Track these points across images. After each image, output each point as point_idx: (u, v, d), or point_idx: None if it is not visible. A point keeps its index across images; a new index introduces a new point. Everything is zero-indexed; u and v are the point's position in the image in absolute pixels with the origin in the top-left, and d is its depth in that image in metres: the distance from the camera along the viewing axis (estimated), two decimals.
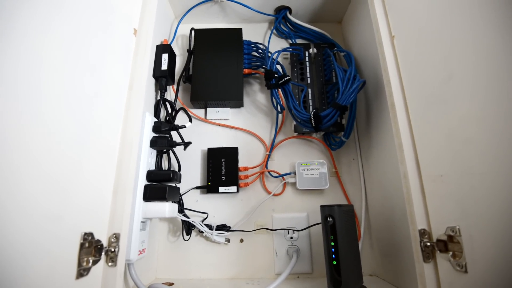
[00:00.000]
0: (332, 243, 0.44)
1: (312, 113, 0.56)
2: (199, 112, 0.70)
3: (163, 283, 0.53)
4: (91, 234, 0.35)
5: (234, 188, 0.62)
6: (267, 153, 0.67)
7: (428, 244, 0.39)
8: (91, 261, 0.35)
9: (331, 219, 0.45)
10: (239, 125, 0.70)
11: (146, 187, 0.46)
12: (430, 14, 0.42)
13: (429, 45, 0.41)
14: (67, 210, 0.32)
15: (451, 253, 0.36)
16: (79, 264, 0.33)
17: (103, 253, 0.37)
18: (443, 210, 0.38)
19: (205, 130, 0.69)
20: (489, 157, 0.32)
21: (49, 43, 0.31)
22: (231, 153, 0.65)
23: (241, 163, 0.66)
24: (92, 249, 0.36)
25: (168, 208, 0.46)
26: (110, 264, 0.37)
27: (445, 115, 0.38)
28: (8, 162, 0.25)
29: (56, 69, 0.32)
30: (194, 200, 0.64)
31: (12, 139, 0.26)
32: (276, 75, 0.61)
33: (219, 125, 0.70)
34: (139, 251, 0.44)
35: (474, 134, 0.34)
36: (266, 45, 0.75)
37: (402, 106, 0.45)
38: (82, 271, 0.34)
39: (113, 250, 0.37)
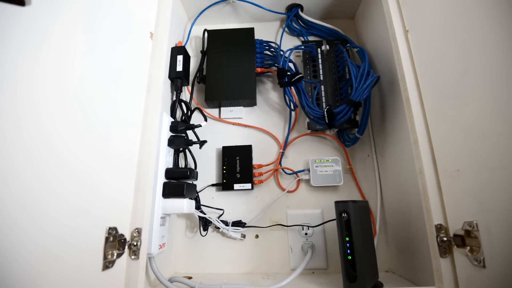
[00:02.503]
0: (347, 238, 0.44)
1: (326, 109, 0.56)
2: (213, 112, 0.72)
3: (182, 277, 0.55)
4: (115, 229, 0.37)
5: (248, 185, 0.63)
6: (281, 150, 0.68)
7: (445, 239, 0.39)
8: (115, 254, 0.37)
9: (345, 214, 0.45)
10: (252, 123, 0.71)
11: (165, 184, 0.48)
12: (445, 7, 0.41)
13: (444, 39, 0.41)
14: (94, 205, 0.34)
15: (468, 248, 0.36)
16: (105, 256, 0.36)
17: (126, 247, 0.39)
18: (460, 205, 0.38)
19: (220, 129, 0.71)
20: (507, 151, 0.31)
21: (74, 52, 0.33)
22: (245, 151, 0.66)
23: (255, 161, 0.67)
24: (116, 242, 0.38)
25: (186, 204, 0.48)
26: (133, 257, 0.39)
27: (461, 109, 0.37)
28: (41, 160, 0.28)
29: (84, 76, 0.34)
30: (210, 197, 0.66)
31: (44, 139, 0.28)
32: (288, 73, 0.62)
33: (233, 123, 0.71)
34: (160, 245, 0.46)
35: (491, 128, 0.33)
36: (278, 43, 0.75)
37: (417, 101, 0.45)
38: (107, 264, 0.36)
39: (135, 244, 0.39)
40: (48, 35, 0.30)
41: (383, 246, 0.61)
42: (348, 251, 0.44)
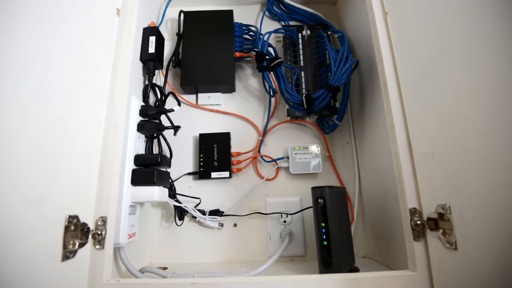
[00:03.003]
0: (323, 224, 0.44)
1: (304, 95, 0.55)
2: (190, 98, 0.69)
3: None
4: (76, 217, 0.35)
5: (226, 174, 0.62)
6: (260, 138, 0.66)
7: (419, 222, 0.39)
8: (77, 243, 0.35)
9: (321, 200, 0.44)
10: (231, 110, 0.68)
11: (134, 171, 0.45)
12: None
13: (423, 20, 0.40)
14: (51, 192, 0.32)
15: (441, 231, 0.36)
16: (65, 246, 0.33)
17: (90, 236, 0.37)
18: (434, 188, 0.37)
19: (197, 116, 0.68)
20: (483, 132, 0.31)
21: (26, 24, 0.30)
22: (223, 139, 0.64)
23: (233, 149, 0.65)
24: (78, 232, 0.35)
25: (157, 192, 0.46)
26: (97, 247, 0.37)
27: (438, 91, 0.37)
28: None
29: (36, 47, 0.31)
30: (186, 186, 0.64)
31: (5, 119, 0.25)
32: (267, 57, 0.60)
33: (211, 110, 0.68)
34: (129, 235, 0.44)
35: (467, 110, 0.33)
36: (258, 27, 0.73)
37: (394, 85, 0.44)
38: (67, 254, 0.33)
39: (100, 233, 0.37)
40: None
41: (361, 233, 0.61)
42: (324, 237, 0.43)
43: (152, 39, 0.58)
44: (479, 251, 0.32)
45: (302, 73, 0.65)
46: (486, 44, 0.31)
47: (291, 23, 0.74)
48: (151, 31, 0.59)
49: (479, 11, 0.32)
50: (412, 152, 0.41)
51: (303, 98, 0.54)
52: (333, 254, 0.43)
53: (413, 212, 0.40)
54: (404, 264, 0.45)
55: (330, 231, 0.43)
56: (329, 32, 0.66)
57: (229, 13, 0.69)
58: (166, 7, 0.70)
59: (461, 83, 0.34)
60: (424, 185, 0.39)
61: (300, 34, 0.68)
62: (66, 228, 0.34)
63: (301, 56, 0.67)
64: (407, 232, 0.40)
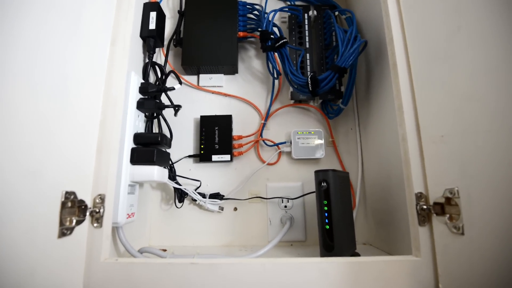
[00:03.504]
0: (326, 208, 0.43)
1: (310, 76, 0.53)
2: (192, 79, 0.67)
3: None
4: (73, 193, 0.34)
5: (227, 157, 0.60)
6: (262, 121, 0.65)
7: (425, 207, 0.38)
8: (74, 221, 0.34)
9: (325, 183, 0.43)
10: (233, 92, 0.67)
11: (133, 150, 0.44)
12: None
13: None
14: (45, 165, 0.30)
15: (448, 215, 0.35)
16: (61, 223, 0.32)
17: (87, 214, 0.36)
18: (442, 172, 0.36)
19: (198, 97, 0.67)
20: (496, 113, 0.30)
21: None
22: (224, 121, 0.62)
23: (235, 132, 0.64)
24: (76, 209, 0.34)
25: (156, 172, 0.45)
26: (95, 225, 0.36)
27: (450, 71, 0.35)
28: None
29: (30, 17, 0.29)
30: (187, 169, 0.63)
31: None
32: (272, 36, 0.58)
33: (213, 92, 0.67)
34: (128, 214, 0.43)
35: (479, 90, 0.31)
36: (263, 6, 0.70)
37: (404, 65, 0.42)
38: (64, 230, 0.32)
39: (97, 211, 0.36)
40: None
41: (362, 219, 0.61)
42: (326, 221, 0.43)
43: (153, 14, 0.56)
44: (486, 236, 0.31)
45: (308, 54, 0.63)
46: (502, 24, 0.29)
47: (297, 3, 0.71)
48: (151, 6, 0.56)
49: None
50: (421, 135, 0.39)
51: (308, 79, 0.53)
52: (335, 238, 0.42)
53: (419, 196, 0.39)
54: (406, 250, 0.45)
55: (333, 215, 0.42)
56: (336, 13, 0.64)
57: None
58: None
59: (475, 63, 0.32)
60: (431, 169, 0.38)
61: (306, 15, 0.66)
62: (63, 204, 0.32)
63: (307, 38, 0.65)
64: (412, 217, 0.39)
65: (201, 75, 0.67)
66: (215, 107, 0.66)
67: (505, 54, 0.29)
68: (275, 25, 0.60)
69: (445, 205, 0.36)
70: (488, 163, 0.30)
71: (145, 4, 0.56)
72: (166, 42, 0.65)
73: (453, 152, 0.35)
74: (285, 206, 0.60)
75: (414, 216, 0.39)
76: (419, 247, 0.38)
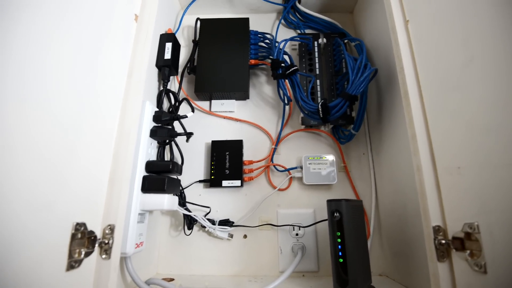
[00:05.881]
0: (339, 240, 0.41)
1: (320, 103, 0.53)
2: (204, 104, 0.68)
3: (162, 278, 0.52)
4: (83, 225, 0.34)
5: (238, 182, 0.60)
6: (273, 146, 0.64)
7: (443, 242, 0.36)
8: (83, 252, 0.34)
9: (338, 214, 0.42)
10: (244, 117, 0.67)
11: (144, 178, 0.45)
12: None
13: (447, 28, 0.38)
14: (59, 198, 0.31)
15: (468, 251, 0.33)
16: (70, 255, 0.32)
17: (96, 245, 0.36)
18: (460, 205, 0.35)
19: (210, 122, 0.68)
20: (511, 146, 0.28)
21: (47, 28, 0.30)
22: (235, 146, 0.63)
23: (246, 157, 0.64)
24: (85, 240, 0.34)
25: (167, 200, 0.45)
26: (103, 256, 0.36)
27: (464, 102, 0.35)
28: (2, 144, 0.24)
29: (53, 51, 0.30)
30: (197, 194, 0.63)
31: (10, 122, 0.25)
32: (283, 64, 0.59)
33: (224, 117, 0.68)
34: (136, 244, 0.43)
35: (495, 122, 0.30)
36: (274, 35, 0.72)
37: (416, 94, 0.42)
38: (73, 263, 0.32)
39: (107, 242, 0.36)
40: (15, 7, 0.26)
41: (377, 248, 0.58)
42: (340, 254, 0.41)
43: (169, 45, 0.58)
44: (510, 276, 0.29)
45: (318, 81, 0.64)
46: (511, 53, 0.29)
47: (307, 31, 0.73)
48: (167, 37, 0.59)
49: (507, 18, 0.30)
50: (436, 166, 0.38)
51: (319, 106, 0.53)
52: (350, 272, 0.40)
53: (437, 230, 0.37)
54: (425, 285, 0.43)
55: (347, 247, 0.41)
56: (346, 41, 0.65)
57: (245, 21, 0.68)
58: (183, 14, 0.70)
59: (488, 94, 0.31)
60: (449, 201, 0.37)
61: (316, 42, 0.67)
62: (73, 236, 0.33)
63: (317, 64, 0.66)
64: (430, 252, 0.37)
65: (213, 101, 0.68)
66: (226, 132, 0.67)
67: None
68: (285, 53, 0.62)
69: (465, 240, 0.34)
70: (509, 199, 0.29)
71: (161, 35, 0.59)
72: (180, 70, 0.67)
73: (471, 185, 0.33)
74: (297, 234, 0.59)
75: (433, 251, 0.37)
76: (439, 284, 0.36)
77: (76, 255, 0.33)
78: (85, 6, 0.36)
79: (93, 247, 0.35)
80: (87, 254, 0.34)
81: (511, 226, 0.29)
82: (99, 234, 0.36)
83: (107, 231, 0.36)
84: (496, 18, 0.31)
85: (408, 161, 0.45)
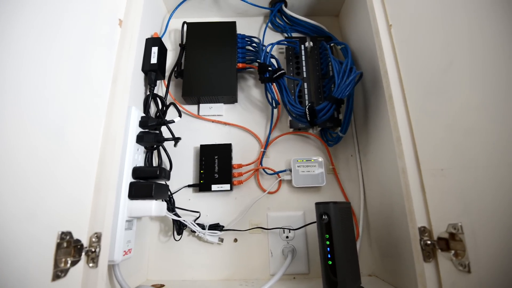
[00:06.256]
0: (328, 242, 0.42)
1: (307, 107, 0.53)
2: (192, 108, 0.68)
3: (152, 285, 0.51)
4: (69, 233, 0.33)
5: (227, 186, 0.60)
6: (262, 149, 0.65)
7: (429, 242, 0.37)
8: (69, 261, 0.33)
9: (326, 217, 0.43)
10: (233, 121, 0.67)
11: (131, 184, 0.44)
12: (429, 0, 0.39)
13: (428, 33, 0.39)
14: (42, 206, 0.30)
15: (453, 252, 0.34)
16: (56, 265, 0.31)
17: (83, 254, 0.35)
18: (444, 206, 0.36)
19: (198, 126, 0.67)
20: (493, 148, 0.29)
21: (30, 31, 0.29)
22: (224, 150, 0.63)
23: (235, 160, 0.64)
24: (71, 249, 0.34)
25: (154, 206, 0.44)
26: (91, 265, 0.35)
27: (445, 105, 0.36)
28: None
29: (34, 58, 0.30)
30: (186, 199, 0.62)
31: None
32: (270, 68, 0.59)
33: (212, 121, 0.67)
34: (124, 251, 0.42)
35: (476, 124, 0.31)
36: (261, 39, 0.72)
37: (400, 98, 0.43)
38: (59, 273, 0.32)
39: (93, 250, 0.35)
40: None
41: (366, 249, 0.59)
42: (329, 256, 0.42)
43: (155, 49, 0.57)
44: (494, 274, 0.30)
45: (305, 84, 0.65)
46: (494, 57, 0.30)
47: (294, 34, 0.74)
48: (153, 41, 0.58)
49: (487, 23, 0.31)
50: (420, 168, 0.39)
51: (306, 110, 0.53)
52: (339, 274, 0.41)
53: (423, 231, 0.38)
54: (412, 285, 0.43)
55: (335, 249, 0.41)
56: (332, 44, 0.66)
57: (232, 24, 0.69)
58: (170, 18, 0.70)
59: (468, 97, 0.32)
60: (433, 202, 0.38)
61: (303, 46, 0.68)
62: (58, 245, 0.32)
63: (304, 68, 0.66)
64: (417, 253, 0.38)
65: (201, 105, 0.68)
66: (215, 136, 0.67)
67: (499, 89, 0.29)
68: (273, 57, 0.62)
69: (450, 241, 0.35)
70: (490, 199, 0.30)
71: (147, 40, 0.58)
72: (167, 74, 0.67)
73: (454, 186, 0.34)
74: (287, 237, 0.59)
75: (419, 252, 0.37)
76: (425, 284, 0.37)
77: (62, 265, 0.32)
78: (69, 11, 0.35)
79: (80, 255, 0.34)
80: (74, 263, 0.33)
81: (493, 226, 0.30)
82: (85, 243, 0.35)
83: (93, 239, 0.36)
84: (475, 24, 0.32)
85: (394, 163, 0.46)
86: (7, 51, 0.27)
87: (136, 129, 0.47)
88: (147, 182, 0.45)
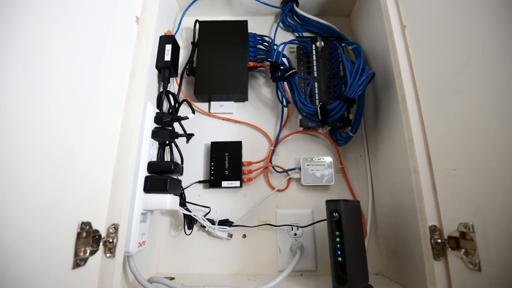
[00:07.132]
0: (338, 239, 0.42)
1: (319, 106, 0.54)
2: (203, 106, 0.69)
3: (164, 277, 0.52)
4: (88, 224, 0.34)
5: (237, 183, 0.61)
6: (272, 148, 0.65)
7: (439, 241, 0.37)
8: (88, 251, 0.34)
9: (336, 214, 0.43)
10: (243, 119, 0.68)
11: (147, 178, 0.45)
12: (442, 2, 0.40)
13: (443, 34, 0.39)
14: (64, 198, 0.31)
15: (463, 250, 0.35)
16: (76, 254, 0.33)
17: (101, 244, 0.36)
18: (455, 206, 0.36)
19: (209, 123, 0.68)
20: (506, 149, 0.30)
21: (49, 29, 0.30)
22: (234, 148, 0.63)
23: (244, 158, 0.65)
24: (90, 239, 0.35)
25: (169, 200, 0.45)
26: (108, 255, 0.36)
27: (459, 106, 0.36)
28: (6, 146, 0.25)
29: (56, 55, 0.31)
30: (196, 194, 0.63)
31: (12, 125, 0.25)
32: (281, 67, 0.60)
33: (223, 119, 0.68)
34: (139, 243, 0.43)
35: (489, 126, 0.32)
36: (272, 38, 0.73)
37: (413, 98, 0.43)
38: (78, 261, 0.33)
39: (111, 241, 0.36)
40: (19, 13, 0.27)
41: (374, 248, 0.59)
42: (339, 252, 0.42)
43: (168, 47, 0.58)
44: (504, 273, 0.31)
45: (316, 84, 0.65)
46: (507, 59, 0.30)
47: (305, 34, 0.74)
48: (167, 39, 0.59)
49: (501, 24, 0.31)
50: (432, 168, 0.40)
51: (318, 109, 0.54)
52: (348, 270, 0.41)
53: (433, 229, 0.38)
54: (421, 284, 0.44)
55: (345, 246, 0.42)
56: (343, 44, 0.66)
57: (244, 23, 0.69)
58: (182, 16, 0.71)
59: (482, 98, 0.33)
60: (444, 202, 0.38)
61: (314, 45, 0.68)
62: (78, 235, 0.33)
63: (315, 67, 0.67)
64: (427, 251, 0.38)
65: (212, 102, 0.69)
66: (225, 134, 0.67)
67: None
68: (284, 56, 0.63)
69: (460, 240, 0.35)
70: (502, 199, 0.30)
71: (161, 37, 0.59)
72: (180, 71, 0.68)
73: (466, 186, 0.35)
74: (295, 234, 0.60)
75: (429, 250, 0.38)
76: (435, 282, 0.37)
77: (82, 254, 0.33)
78: (86, 8, 0.36)
79: (98, 245, 0.35)
80: (92, 253, 0.35)
81: (504, 225, 0.30)
82: (103, 233, 0.37)
83: (111, 230, 0.37)
84: (490, 24, 0.32)
85: (404, 163, 0.46)
86: (25, 47, 0.28)
87: (151, 125, 0.48)
88: (162, 177, 0.46)
